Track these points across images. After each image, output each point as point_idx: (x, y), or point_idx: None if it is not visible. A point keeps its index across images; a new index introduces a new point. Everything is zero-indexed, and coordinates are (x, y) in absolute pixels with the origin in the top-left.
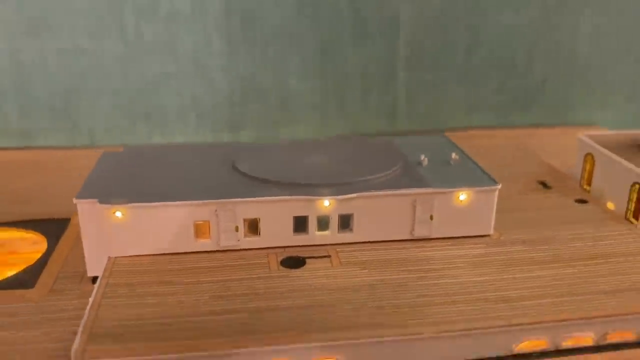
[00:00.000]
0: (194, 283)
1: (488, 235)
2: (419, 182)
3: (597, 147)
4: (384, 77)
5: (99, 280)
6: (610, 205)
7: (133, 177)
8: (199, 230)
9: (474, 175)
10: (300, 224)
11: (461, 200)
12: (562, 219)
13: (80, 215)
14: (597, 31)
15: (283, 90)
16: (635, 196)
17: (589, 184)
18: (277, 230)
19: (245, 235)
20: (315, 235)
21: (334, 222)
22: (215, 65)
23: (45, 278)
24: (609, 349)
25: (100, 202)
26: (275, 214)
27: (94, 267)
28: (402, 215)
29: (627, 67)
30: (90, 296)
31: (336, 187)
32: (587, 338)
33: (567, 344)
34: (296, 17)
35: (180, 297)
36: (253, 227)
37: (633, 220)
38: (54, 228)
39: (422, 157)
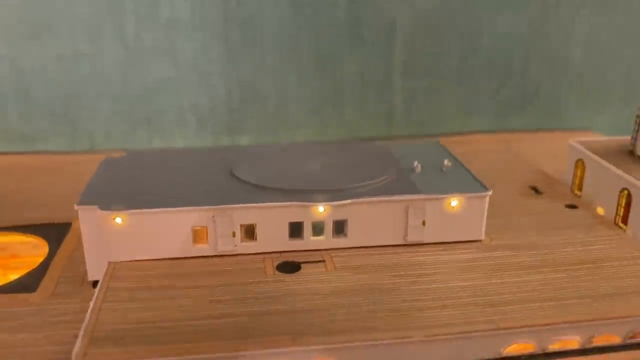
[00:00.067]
0: (192, 287)
1: (479, 241)
2: (412, 189)
3: (588, 153)
4: (381, 82)
5: (99, 284)
6: (600, 211)
7: (133, 183)
8: (197, 235)
9: (465, 181)
10: (295, 230)
11: (453, 207)
12: (553, 224)
13: (81, 221)
14: (591, 37)
15: (281, 96)
16: (624, 202)
17: (580, 190)
18: (273, 236)
19: (242, 241)
20: (310, 240)
21: (329, 228)
22: (215, 71)
23: (47, 282)
24: (595, 352)
25: (101, 208)
26: (271, 220)
27: (95, 271)
28: (395, 221)
29: (620, 72)
30: (91, 300)
31: (331, 194)
32: (573, 341)
33: (554, 347)
34: (294, 23)
35: (179, 301)
36: (250, 232)
37: (622, 225)
38: (55, 232)
39: (416, 163)
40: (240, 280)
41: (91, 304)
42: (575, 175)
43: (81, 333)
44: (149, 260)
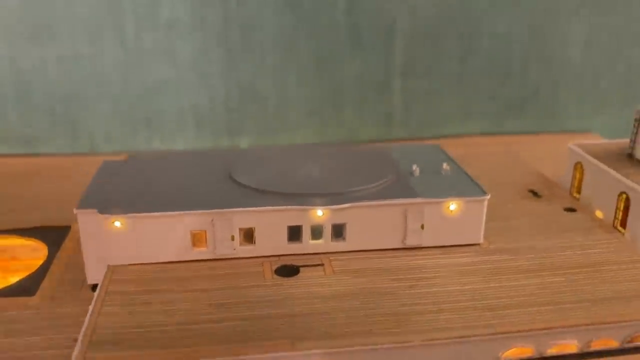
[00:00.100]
0: (191, 291)
1: (478, 244)
2: (410, 193)
3: (586, 156)
4: (380, 84)
5: (98, 288)
6: (598, 214)
7: (132, 187)
8: (196, 239)
9: (464, 185)
10: (294, 233)
11: (451, 210)
12: (551, 227)
13: (80, 225)
14: (590, 38)
15: (281, 97)
16: (622, 205)
17: (579, 192)
18: (271, 239)
19: (240, 244)
20: (309, 244)
21: (328, 231)
22: (214, 72)
23: (46, 285)
24: (593, 356)
25: (100, 212)
26: (270, 224)
27: (94, 275)
28: (394, 225)
29: (620, 74)
30: (90, 304)
31: (329, 197)
32: (571, 345)
33: (552, 351)
34: (294, 25)
35: (178, 305)
36: (248, 236)
37: (620, 229)
38: (55, 235)
39: (414, 167)
40: (239, 284)
41: (90, 307)
42: (574, 178)
43: (80, 337)
44: (148, 264)
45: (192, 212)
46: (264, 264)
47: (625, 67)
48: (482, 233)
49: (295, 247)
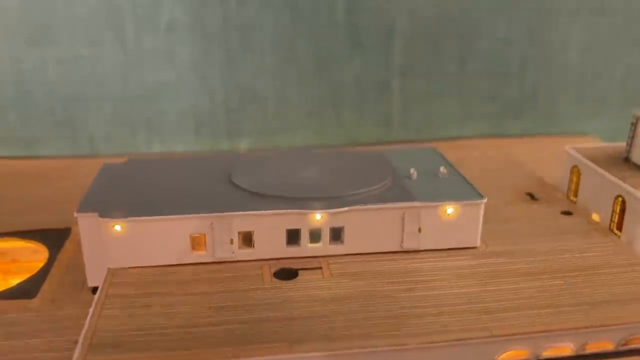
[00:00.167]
0: (190, 294)
1: (475, 247)
2: (408, 196)
3: (583, 159)
4: (379, 86)
5: (98, 291)
6: (595, 217)
7: (132, 190)
8: (195, 242)
9: (461, 189)
10: (292, 237)
11: (448, 214)
12: (548, 230)
13: (80, 228)
14: (589, 41)
15: (280, 99)
16: (618, 208)
17: (576, 196)
18: (270, 243)
19: (239, 248)
20: (307, 247)
21: (326, 235)
22: (214, 74)
23: (46, 288)
24: (588, 358)
25: (100, 215)
26: (268, 227)
27: (94, 277)
28: (392, 228)
29: (618, 77)
30: (90, 306)
31: (328, 201)
32: (567, 348)
33: (548, 353)
34: (293, 26)
35: (178, 308)
36: (247, 239)
37: (616, 232)
38: (55, 238)
39: (412, 170)
40: (238, 287)
41: (90, 310)
42: (570, 181)
43: (80, 339)
44: (148, 267)
45: (191, 215)
46: (262, 267)
47: (624, 70)
48: (479, 236)
49: (293, 251)
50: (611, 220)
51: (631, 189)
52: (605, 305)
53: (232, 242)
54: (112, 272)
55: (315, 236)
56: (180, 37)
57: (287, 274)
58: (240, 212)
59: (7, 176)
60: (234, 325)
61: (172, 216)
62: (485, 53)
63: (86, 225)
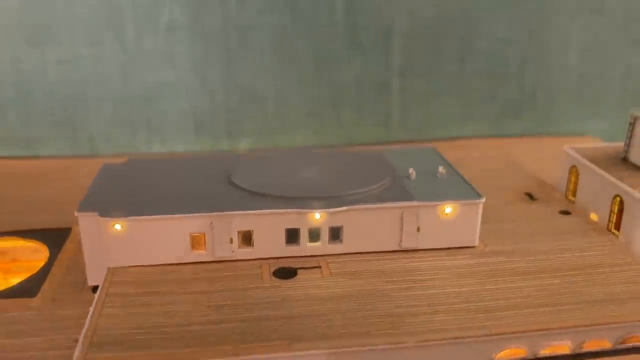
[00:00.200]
0: (190, 293)
1: (473, 247)
2: (406, 196)
3: (581, 159)
4: (378, 86)
5: (99, 290)
6: (593, 217)
7: (132, 190)
8: (195, 241)
9: (459, 188)
10: (292, 236)
11: (447, 213)
12: (546, 230)
13: (81, 228)
14: (588, 42)
15: (280, 99)
16: (616, 208)
17: (574, 195)
18: (269, 242)
19: (239, 247)
20: (306, 246)
21: (325, 234)
22: (214, 75)
23: (47, 287)
24: (586, 357)
25: (100, 215)
26: (268, 226)
27: (95, 276)
28: (390, 228)
29: (617, 78)
30: (90, 305)
31: (327, 200)
32: (564, 346)
33: (545, 352)
34: (293, 27)
35: (178, 307)
36: (247, 238)
37: (615, 231)
38: (56, 237)
39: (410, 170)
40: (237, 285)
41: (91, 309)
42: (569, 181)
43: (81, 338)
44: (148, 266)
45: (191, 215)
46: (262, 266)
47: (623, 71)
48: (477, 236)
49: (293, 250)
50: (609, 220)
51: (629, 189)
52: (603, 304)
53: (231, 241)
54: (112, 271)
55: (314, 235)
56: (180, 37)
57: (286, 273)
58: (240, 212)
59: (7, 176)
60: (234, 324)
61: (172, 215)
62: (484, 53)
63: (87, 224)
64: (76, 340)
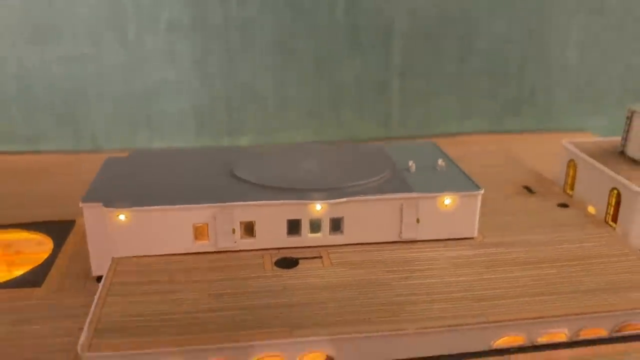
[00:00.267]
0: (193, 282)
1: (472, 238)
2: (406, 187)
3: (579, 153)
4: (378, 85)
5: (103, 279)
6: (591, 210)
7: (135, 182)
8: (198, 232)
9: (458, 180)
10: (293, 227)
11: (446, 205)
12: (544, 222)
13: (85, 218)
14: (587, 40)
15: (280, 98)
16: (614, 201)
17: (572, 189)
18: (271, 233)
19: (241, 237)
20: (307, 237)
21: (326, 225)
22: (215, 73)
23: (52, 277)
24: (583, 344)
25: (105, 205)
26: (270, 217)
27: (99, 267)
28: (390, 219)
29: (616, 75)
30: (95, 295)
31: (328, 192)
32: (561, 334)
33: (543, 339)
34: (293, 26)
35: (180, 295)
36: (249, 229)
37: (612, 223)
38: (59, 229)
39: (410, 163)
40: (239, 275)
41: (95, 297)
42: (567, 175)
43: (86, 325)
44: (152, 256)
45: (194, 205)
46: (264, 256)
47: (622, 67)
48: (476, 227)
49: (294, 240)
50: (606, 213)
51: (626, 182)
52: (600, 293)
53: (234, 232)
54: (116, 261)
55: (315, 226)
56: (180, 36)
57: (287, 262)
58: (242, 203)
59: (10, 171)
60: (236, 312)
61: (175, 206)
62: (484, 52)
63: (91, 215)
64: (81, 329)
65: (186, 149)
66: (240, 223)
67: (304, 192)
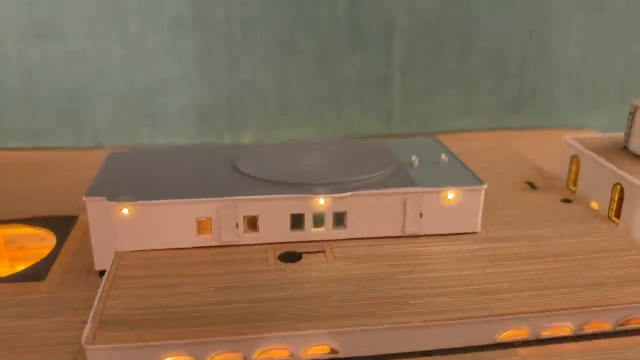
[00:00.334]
0: (197, 275)
1: (475, 233)
2: (409, 182)
3: (582, 149)
4: (380, 81)
5: (107, 272)
6: (594, 205)
7: (139, 176)
8: (201, 226)
9: (461, 175)
10: (296, 221)
11: (449, 199)
12: (547, 217)
13: (89, 212)
14: (588, 37)
15: (282, 95)
16: (617, 196)
17: (575, 185)
18: (275, 227)
19: (244, 232)
20: (311, 231)
21: (329, 219)
22: (217, 70)
23: (55, 272)
24: (587, 338)
25: (108, 199)
26: (273, 212)
27: (102, 261)
28: (394, 213)
29: (617, 71)
30: (98, 289)
31: (331, 186)
32: (565, 328)
33: (547, 333)
34: (295, 23)
35: (184, 289)
36: (252, 223)
37: (615, 219)
38: (62, 225)
39: (413, 158)
40: (243, 269)
41: (99, 290)
42: (570, 171)
43: (90, 317)
44: (155, 250)
45: (197, 200)
46: (267, 250)
47: (623, 64)
48: (479, 221)
49: (297, 235)
50: (610, 208)
51: (629, 177)
52: (604, 287)
53: (237, 226)
54: (119, 255)
55: (318, 221)
56: (183, 32)
57: (291, 257)
58: (246, 197)
59: (12, 167)
60: (241, 305)
61: (179, 200)
62: (485, 49)
63: (94, 209)
64: (84, 322)
65: (189, 145)
66: (244, 217)
67: (307, 187)
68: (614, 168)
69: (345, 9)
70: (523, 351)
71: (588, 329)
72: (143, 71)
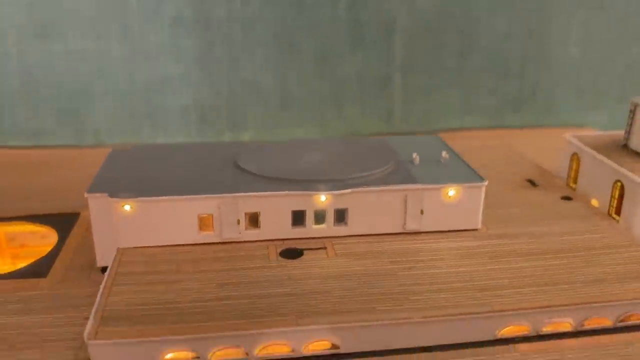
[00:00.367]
0: (198, 272)
1: (476, 229)
2: (410, 179)
3: (583, 146)
4: (380, 80)
5: (109, 269)
6: (594, 202)
7: (140, 173)
8: (203, 223)
9: (462, 172)
10: (298, 218)
11: (450, 196)
12: (548, 214)
13: (91, 209)
14: (588, 36)
15: (283, 93)
16: (617, 193)
17: (575, 182)
18: (276, 224)
19: (246, 228)
20: (312, 228)
21: (330, 216)
22: (218, 69)
23: (56, 268)
24: (587, 334)
25: (110, 196)
26: (274, 208)
27: (104, 257)
28: (394, 210)
29: (617, 72)
30: (99, 285)
31: (332, 183)
32: (566, 324)
33: (547, 329)
34: (296, 22)
35: (186, 285)
36: (254, 220)
37: (615, 216)
38: (64, 222)
39: (414, 155)
40: (244, 265)
41: (101, 286)
42: (570, 168)
43: (92, 313)
44: (157, 246)
45: (199, 196)
46: (268, 247)
47: (623, 64)
48: (480, 218)
49: (299, 232)
50: (610, 205)
51: (630, 174)
52: (604, 283)
53: (238, 222)
54: (121, 252)
55: (319, 217)
56: (184, 31)
57: (292, 253)
58: (247, 194)
59: (13, 165)
60: (242, 301)
61: (180, 197)
62: (485, 48)
63: (96, 205)
64: (86, 318)
65: (190, 143)
66: (245, 214)
67: (308, 183)
68: (614, 165)
69: (346, 9)
70: (523, 347)
71: (588, 325)
72: (143, 71)
